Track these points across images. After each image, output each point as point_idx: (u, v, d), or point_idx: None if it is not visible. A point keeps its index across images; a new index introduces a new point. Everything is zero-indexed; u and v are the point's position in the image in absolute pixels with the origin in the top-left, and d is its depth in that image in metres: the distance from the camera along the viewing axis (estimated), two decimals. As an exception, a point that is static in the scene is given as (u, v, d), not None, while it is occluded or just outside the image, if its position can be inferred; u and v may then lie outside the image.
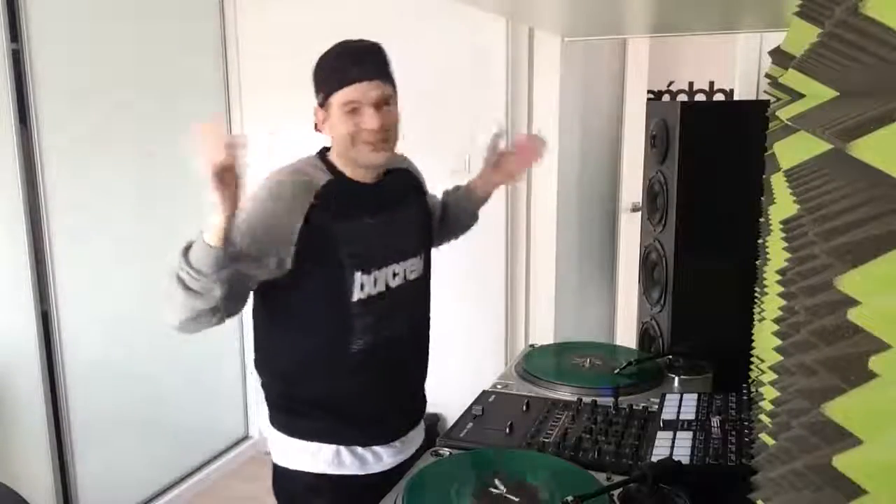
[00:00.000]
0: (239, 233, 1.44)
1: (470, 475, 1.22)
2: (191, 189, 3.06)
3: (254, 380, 3.47)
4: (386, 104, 1.50)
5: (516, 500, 1.15)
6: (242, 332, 3.41)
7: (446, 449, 1.37)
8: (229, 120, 3.25)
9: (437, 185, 1.87)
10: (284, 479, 1.61)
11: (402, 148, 1.71)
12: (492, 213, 2.91)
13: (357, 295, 1.52)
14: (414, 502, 1.17)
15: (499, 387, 1.69)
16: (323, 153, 1.59)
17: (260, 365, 1.65)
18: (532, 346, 2.00)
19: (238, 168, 1.32)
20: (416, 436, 1.72)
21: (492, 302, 3.03)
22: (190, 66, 3.08)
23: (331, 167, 1.55)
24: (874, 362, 0.38)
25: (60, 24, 2.50)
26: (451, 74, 2.91)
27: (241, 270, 1.43)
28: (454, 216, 1.89)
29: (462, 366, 2.97)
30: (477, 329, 3.06)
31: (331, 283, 1.51)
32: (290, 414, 1.59)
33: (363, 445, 1.59)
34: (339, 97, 1.48)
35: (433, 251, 1.77)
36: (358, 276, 1.51)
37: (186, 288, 1.37)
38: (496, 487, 1.17)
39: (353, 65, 1.49)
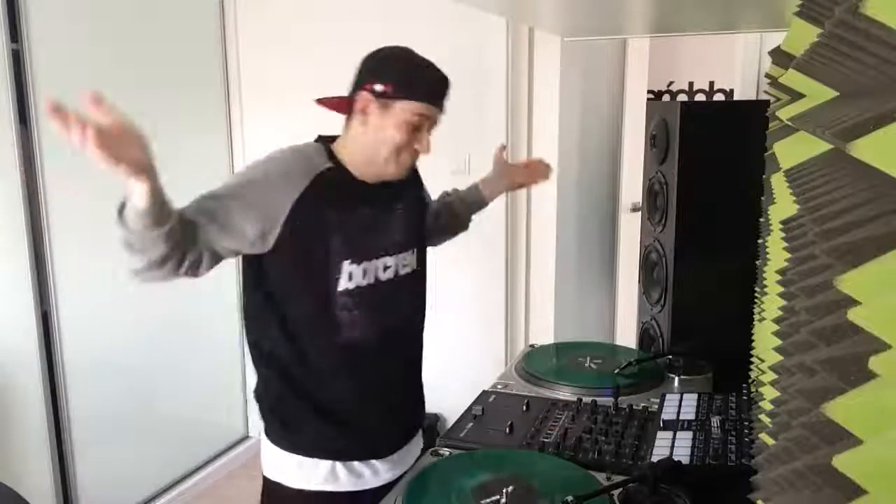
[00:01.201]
0: (225, 197, 1.42)
1: (470, 475, 1.22)
2: (190, 190, 3.06)
3: (254, 379, 3.47)
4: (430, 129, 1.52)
5: (516, 500, 1.15)
6: (243, 332, 3.41)
7: (446, 449, 1.37)
8: (229, 120, 3.26)
9: (437, 186, 1.86)
10: (275, 494, 1.56)
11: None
12: (492, 213, 2.91)
13: (344, 285, 1.47)
14: (414, 502, 1.17)
15: (499, 387, 1.69)
16: (326, 142, 1.54)
17: (259, 359, 1.59)
18: (532, 346, 2.00)
19: (109, 130, 1.21)
20: (414, 447, 1.66)
21: (492, 302, 3.03)
22: (190, 66, 3.08)
23: (332, 157, 1.50)
24: (874, 362, 0.38)
25: (60, 24, 2.50)
26: (450, 74, 2.90)
27: (211, 237, 1.38)
28: (447, 218, 1.85)
29: (462, 366, 2.97)
30: (477, 329, 3.06)
31: (318, 270, 1.46)
32: (287, 427, 1.54)
33: (360, 460, 1.54)
34: (412, 107, 1.45)
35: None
36: (346, 265, 1.47)
37: (127, 244, 1.34)
38: (496, 488, 1.17)
39: (441, 86, 1.50)
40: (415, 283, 1.63)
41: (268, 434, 1.57)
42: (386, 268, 1.54)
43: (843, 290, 0.43)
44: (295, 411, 1.53)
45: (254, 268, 1.50)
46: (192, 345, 3.14)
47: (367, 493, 1.54)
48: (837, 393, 0.42)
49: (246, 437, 3.52)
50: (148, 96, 2.83)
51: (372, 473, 1.56)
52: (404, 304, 1.61)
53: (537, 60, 2.89)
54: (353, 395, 1.53)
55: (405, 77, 1.46)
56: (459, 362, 2.99)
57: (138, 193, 1.29)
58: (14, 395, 2.45)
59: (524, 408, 1.52)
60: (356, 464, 1.54)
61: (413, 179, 1.67)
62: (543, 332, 2.99)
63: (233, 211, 1.41)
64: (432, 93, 1.48)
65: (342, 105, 1.50)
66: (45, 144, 2.45)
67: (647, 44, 3.41)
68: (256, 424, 3.51)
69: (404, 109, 1.45)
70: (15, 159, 2.37)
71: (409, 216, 1.61)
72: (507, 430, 1.41)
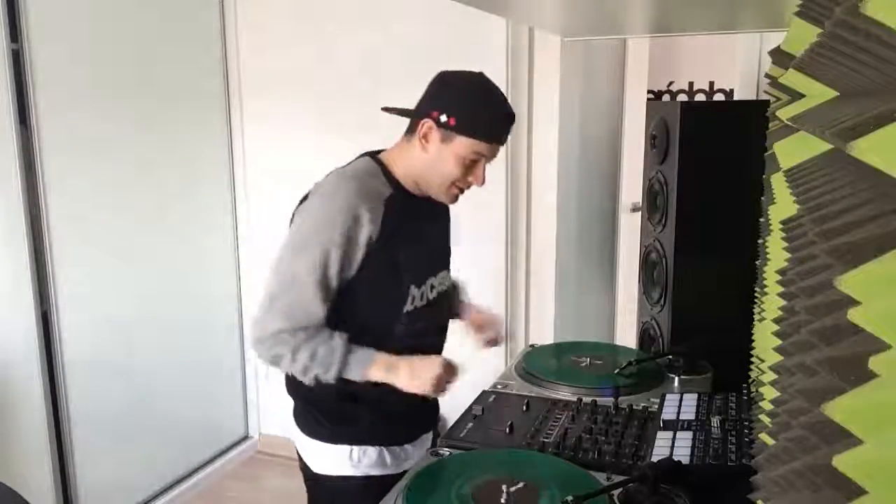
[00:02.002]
0: (329, 255, 1.45)
1: (470, 475, 1.22)
2: (190, 189, 3.06)
3: (254, 379, 3.48)
4: None
5: (516, 500, 1.15)
6: (242, 332, 3.41)
7: (446, 449, 1.37)
8: (229, 119, 3.26)
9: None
10: (329, 487, 1.62)
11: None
12: (492, 213, 2.91)
13: (408, 307, 1.54)
14: (414, 502, 1.17)
15: (499, 387, 1.69)
16: (380, 160, 1.56)
17: None
18: (532, 346, 2.00)
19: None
20: (430, 435, 1.75)
21: (492, 302, 3.02)
22: (190, 66, 3.08)
23: (389, 176, 1.53)
24: (874, 362, 0.38)
25: (60, 24, 2.50)
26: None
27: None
28: None
29: (462, 366, 2.97)
30: (477, 329, 3.06)
31: (389, 295, 1.52)
32: (337, 421, 1.59)
33: (400, 444, 1.63)
34: (475, 146, 1.47)
35: None
36: (413, 288, 1.54)
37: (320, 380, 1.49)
38: (496, 488, 1.17)
39: (504, 125, 1.51)
40: (448, 302, 1.74)
41: (308, 430, 1.62)
42: (433, 287, 1.61)
43: (843, 290, 0.43)
44: (347, 406, 1.58)
45: None
46: (192, 345, 3.14)
47: (400, 476, 1.59)
48: (837, 393, 0.42)
49: (246, 437, 3.52)
50: (148, 96, 2.83)
51: (406, 456, 1.65)
52: (442, 323, 1.72)
53: (537, 60, 2.88)
54: (397, 390, 1.55)
55: (470, 114, 1.47)
56: (460, 362, 2.99)
57: (380, 380, 1.47)
58: (14, 395, 2.45)
59: (524, 408, 1.52)
60: (397, 448, 1.63)
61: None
62: (543, 332, 2.99)
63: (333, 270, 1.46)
64: (494, 133, 1.49)
65: (406, 113, 1.54)
66: (45, 144, 2.45)
67: (647, 44, 3.41)
68: (256, 424, 3.52)
69: (464, 145, 1.46)
70: (15, 159, 2.37)
71: (447, 235, 1.71)
72: (507, 430, 1.41)
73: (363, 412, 1.57)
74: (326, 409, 1.59)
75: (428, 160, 1.50)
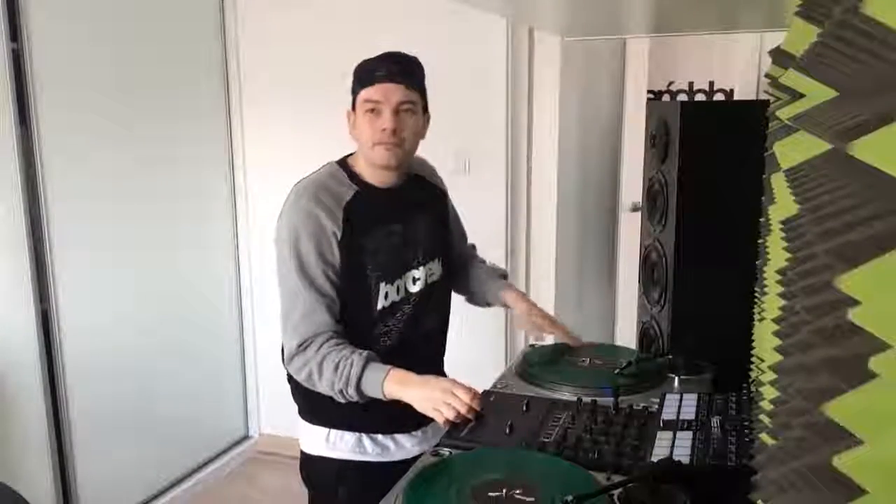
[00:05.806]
0: (313, 274, 1.53)
1: (470, 475, 1.22)
2: (190, 189, 3.06)
3: (254, 379, 3.48)
4: (408, 110, 1.55)
5: (516, 500, 1.15)
6: (242, 332, 3.41)
7: (446, 449, 1.37)
8: (229, 119, 3.26)
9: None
10: (310, 465, 1.69)
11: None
12: (492, 213, 2.91)
13: (381, 304, 1.59)
14: (414, 502, 1.17)
15: (499, 387, 1.69)
16: (344, 161, 1.64)
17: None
18: (532, 346, 2.00)
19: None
20: (428, 431, 1.75)
21: (492, 302, 3.02)
22: (190, 65, 3.08)
23: (353, 176, 1.60)
24: (874, 362, 0.38)
25: (60, 24, 2.50)
26: (451, 75, 2.91)
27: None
28: (461, 275, 1.90)
29: (462, 366, 2.97)
30: (477, 329, 3.06)
31: (359, 295, 1.57)
32: (314, 402, 1.63)
33: (384, 433, 1.65)
34: (363, 95, 1.54)
35: None
36: (382, 286, 1.59)
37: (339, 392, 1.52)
38: (496, 488, 1.17)
39: (382, 66, 1.54)
40: (442, 290, 1.75)
41: (299, 408, 1.70)
42: (415, 280, 1.65)
43: (843, 290, 0.43)
44: (322, 395, 1.59)
45: None
46: (191, 345, 3.14)
47: (394, 464, 1.62)
48: (837, 393, 0.42)
49: (246, 437, 3.52)
50: (148, 97, 2.83)
51: (397, 447, 1.68)
52: (432, 312, 1.73)
53: (537, 60, 2.89)
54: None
55: (356, 73, 1.57)
56: (459, 362, 2.99)
57: (394, 395, 1.48)
58: (14, 395, 2.45)
59: (524, 408, 1.52)
60: (380, 437, 1.66)
61: (433, 191, 1.77)
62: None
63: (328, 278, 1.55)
64: (373, 72, 1.53)
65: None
66: (45, 144, 2.45)
67: (647, 44, 3.41)
68: (256, 424, 3.52)
69: (360, 100, 1.55)
70: (15, 159, 2.36)
71: (434, 226, 1.72)
72: (507, 430, 1.41)
73: (341, 402, 1.58)
74: (308, 390, 1.61)
75: (357, 141, 1.59)
